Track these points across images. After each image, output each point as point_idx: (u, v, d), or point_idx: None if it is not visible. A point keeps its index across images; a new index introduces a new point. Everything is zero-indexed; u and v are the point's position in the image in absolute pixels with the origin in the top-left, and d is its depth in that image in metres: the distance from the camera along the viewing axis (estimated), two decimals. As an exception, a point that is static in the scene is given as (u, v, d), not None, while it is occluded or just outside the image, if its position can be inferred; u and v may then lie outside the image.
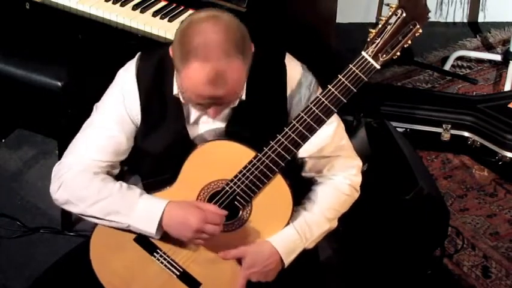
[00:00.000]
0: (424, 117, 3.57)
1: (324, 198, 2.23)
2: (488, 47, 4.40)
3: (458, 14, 4.62)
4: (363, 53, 2.06)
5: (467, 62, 4.25)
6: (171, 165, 2.16)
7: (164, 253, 2.18)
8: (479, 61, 4.25)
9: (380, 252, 3.10)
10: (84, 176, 2.16)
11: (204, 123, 2.19)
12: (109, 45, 3.12)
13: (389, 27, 2.04)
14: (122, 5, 3.07)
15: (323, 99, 2.08)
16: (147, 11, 3.05)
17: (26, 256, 3.14)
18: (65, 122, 3.12)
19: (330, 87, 2.08)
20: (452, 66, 4.21)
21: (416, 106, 3.58)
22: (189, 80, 2.01)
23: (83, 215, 2.20)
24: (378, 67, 2.06)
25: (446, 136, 3.56)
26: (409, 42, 2.05)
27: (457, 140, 3.57)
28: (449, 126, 3.54)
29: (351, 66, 2.07)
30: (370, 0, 4.56)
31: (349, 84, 2.07)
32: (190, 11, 3.04)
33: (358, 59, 2.07)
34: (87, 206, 2.17)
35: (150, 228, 2.12)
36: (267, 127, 2.15)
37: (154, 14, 3.03)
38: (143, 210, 2.13)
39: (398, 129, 3.46)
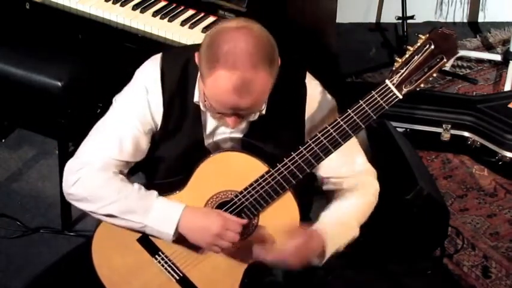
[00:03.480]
0: (424, 117, 3.57)
1: (356, 206, 2.23)
2: (488, 47, 4.40)
3: (458, 14, 4.62)
4: (387, 81, 2.03)
5: (467, 62, 4.25)
6: (182, 172, 2.16)
7: (166, 256, 2.18)
8: (479, 61, 4.26)
9: (380, 252, 3.10)
10: (104, 175, 2.13)
11: (221, 134, 2.18)
12: (109, 45, 3.12)
13: (416, 57, 2.01)
14: (122, 5, 3.07)
15: (341, 122, 2.06)
16: (147, 11, 3.05)
17: (26, 256, 3.14)
18: (65, 122, 3.11)
19: (349, 111, 2.06)
20: (452, 66, 4.21)
21: (416, 106, 3.58)
22: (214, 87, 1.99)
23: (95, 213, 2.16)
24: (401, 97, 2.03)
25: (446, 136, 3.57)
26: (434, 74, 2.03)
27: (457, 140, 3.57)
28: (449, 126, 3.54)
29: (373, 93, 2.04)
30: (370, 0, 4.57)
31: (369, 111, 2.05)
32: (190, 11, 3.04)
33: (381, 87, 2.04)
34: (104, 205, 2.12)
35: (167, 229, 2.10)
36: (282, 144, 2.14)
37: (154, 14, 3.03)
38: (161, 211, 2.10)
39: (398, 129, 3.46)
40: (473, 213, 3.37)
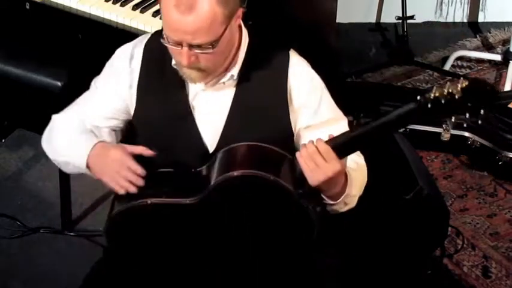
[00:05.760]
0: (424, 117, 3.56)
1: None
2: (488, 47, 4.40)
3: (458, 14, 4.62)
4: None
5: (467, 62, 4.25)
6: (170, 137, 2.19)
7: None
8: (479, 61, 4.25)
9: (380, 252, 3.10)
10: (69, 121, 2.31)
11: (205, 100, 2.20)
12: (109, 45, 3.12)
13: None
14: (122, 5, 3.07)
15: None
16: (147, 11, 3.05)
17: (26, 256, 3.14)
18: (65, 122, 3.11)
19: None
20: (452, 66, 4.20)
21: (416, 106, 3.57)
22: (163, 8, 2.04)
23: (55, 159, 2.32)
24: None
25: (446, 136, 3.56)
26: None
27: (457, 140, 3.57)
28: (450, 126, 3.54)
29: None
30: (370, 0, 4.57)
31: None
32: (190, 11, 3.04)
33: None
34: (52, 140, 2.32)
35: (79, 156, 2.21)
36: (267, 108, 2.17)
37: (154, 14, 3.03)
38: (79, 143, 2.23)
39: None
40: (473, 213, 3.37)
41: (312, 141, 2.04)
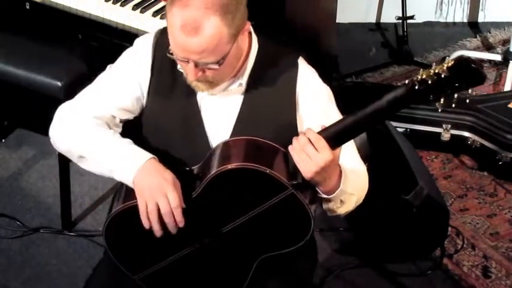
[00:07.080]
0: (424, 117, 3.57)
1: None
2: (488, 47, 4.40)
3: (458, 14, 4.62)
4: None
5: (467, 62, 4.25)
6: (177, 138, 2.17)
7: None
8: (479, 61, 4.25)
9: (380, 252, 3.10)
10: (83, 117, 2.20)
11: (211, 105, 2.19)
12: (109, 45, 3.12)
13: None
14: (122, 5, 3.07)
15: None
16: (147, 11, 3.06)
17: (26, 256, 3.14)
18: (65, 122, 3.11)
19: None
20: (453, 66, 4.20)
21: (416, 106, 3.57)
22: (168, 26, 2.03)
23: (71, 152, 2.22)
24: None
25: (446, 136, 3.56)
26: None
27: (457, 140, 3.57)
28: (449, 126, 3.54)
29: None
30: (370, 0, 4.57)
31: None
32: (190, 11, 3.04)
33: None
34: (79, 144, 2.19)
35: (128, 170, 2.10)
36: (275, 115, 2.15)
37: (154, 14, 3.03)
38: (129, 155, 2.12)
39: (398, 129, 3.46)
40: (473, 213, 3.37)
41: (303, 133, 2.03)
